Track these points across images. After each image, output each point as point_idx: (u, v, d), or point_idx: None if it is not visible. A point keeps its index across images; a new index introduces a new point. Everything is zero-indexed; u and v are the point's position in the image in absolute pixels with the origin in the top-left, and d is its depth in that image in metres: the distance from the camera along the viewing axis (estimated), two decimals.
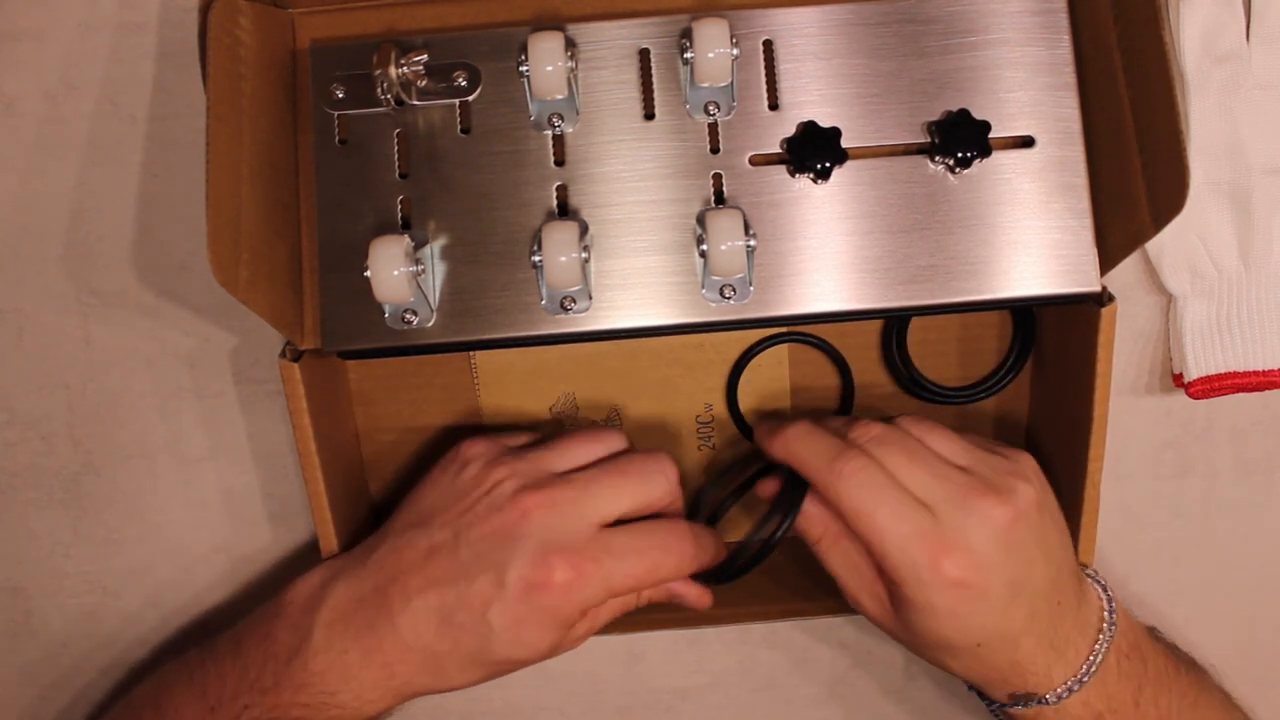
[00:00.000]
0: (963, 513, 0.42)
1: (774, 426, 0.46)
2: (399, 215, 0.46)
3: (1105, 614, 0.45)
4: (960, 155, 0.44)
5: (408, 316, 0.45)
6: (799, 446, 0.44)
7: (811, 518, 0.45)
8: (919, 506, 0.42)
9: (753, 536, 0.46)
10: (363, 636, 0.43)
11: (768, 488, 0.47)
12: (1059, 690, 0.43)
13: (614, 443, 0.46)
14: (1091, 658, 0.44)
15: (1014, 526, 0.42)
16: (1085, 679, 0.43)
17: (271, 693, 0.44)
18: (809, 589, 0.52)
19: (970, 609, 0.42)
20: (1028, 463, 0.45)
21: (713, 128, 0.46)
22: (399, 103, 0.45)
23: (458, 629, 0.42)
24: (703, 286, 0.45)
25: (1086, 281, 0.45)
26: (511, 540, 0.41)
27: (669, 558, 0.43)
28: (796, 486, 0.44)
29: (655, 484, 0.44)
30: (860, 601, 0.45)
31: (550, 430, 0.53)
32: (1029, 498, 0.43)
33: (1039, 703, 0.43)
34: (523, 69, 0.44)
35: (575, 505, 0.42)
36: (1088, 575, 0.46)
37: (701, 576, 0.46)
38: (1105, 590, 0.46)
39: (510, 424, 0.53)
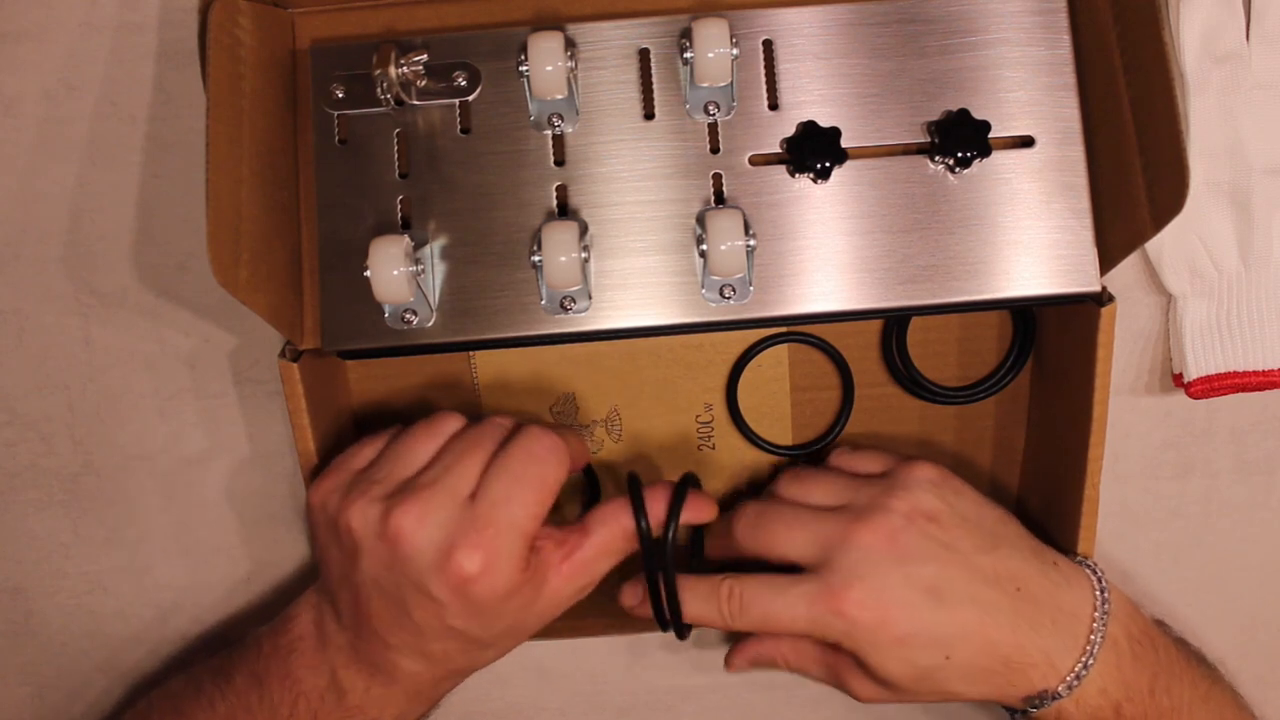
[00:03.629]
0: (845, 553, 0.43)
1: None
2: (399, 215, 0.46)
3: (1097, 593, 0.45)
4: (960, 155, 0.44)
5: (407, 316, 0.45)
6: (689, 609, 0.45)
7: (763, 647, 0.47)
8: (803, 577, 0.44)
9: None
10: (378, 676, 0.44)
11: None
12: (1068, 680, 0.43)
13: (449, 427, 0.45)
14: (1092, 636, 0.44)
15: (896, 542, 0.43)
16: (1090, 660, 0.43)
17: None
18: None
19: (901, 632, 0.43)
20: (913, 473, 0.46)
21: (713, 128, 0.46)
22: (399, 103, 0.45)
23: (441, 648, 0.43)
24: (703, 286, 0.45)
25: (1086, 281, 0.45)
26: (409, 561, 0.41)
27: (547, 461, 0.43)
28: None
29: (491, 434, 0.44)
30: (850, 690, 0.46)
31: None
32: (906, 508, 0.44)
33: (1054, 698, 0.43)
34: (523, 69, 0.44)
35: (439, 499, 0.41)
36: (1076, 561, 0.46)
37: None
38: (1095, 571, 0.46)
39: None
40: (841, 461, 0.49)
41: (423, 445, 0.44)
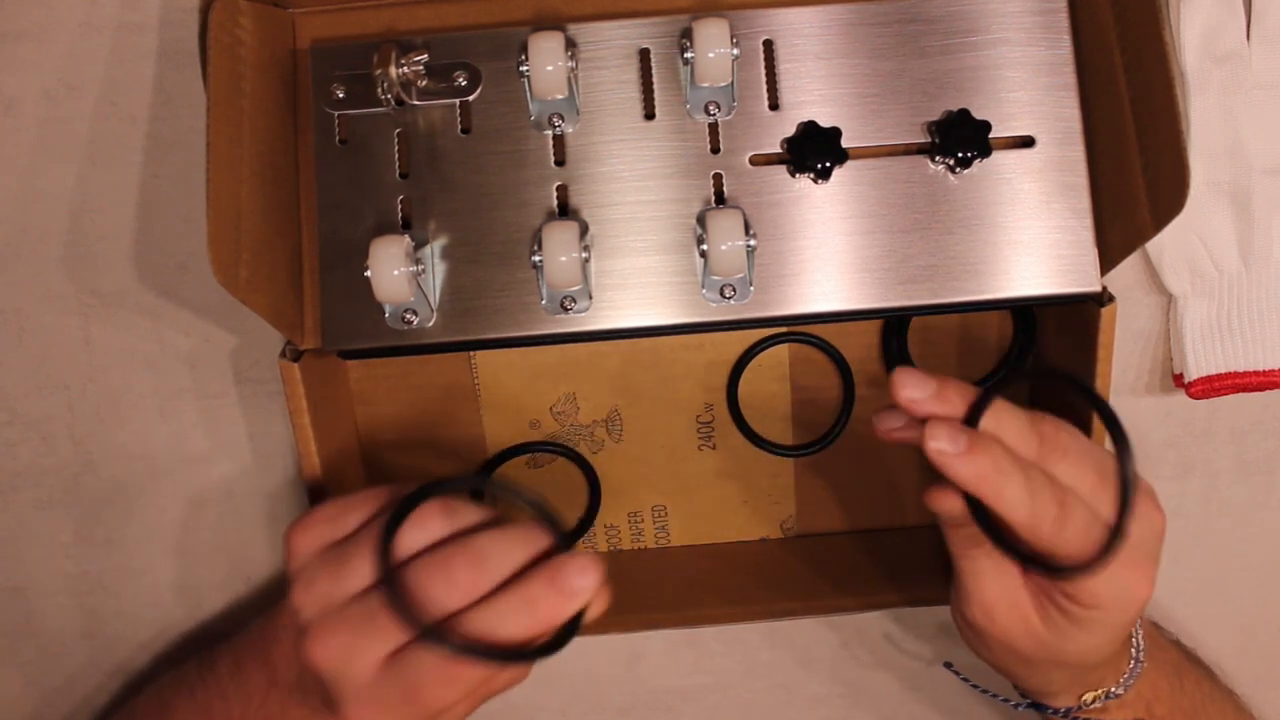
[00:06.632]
0: (1145, 528, 0.40)
1: (949, 437, 0.38)
2: (399, 215, 0.46)
3: None
4: (960, 155, 0.44)
5: (408, 316, 0.45)
6: (996, 487, 0.38)
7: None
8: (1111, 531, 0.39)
9: None
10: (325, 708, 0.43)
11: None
12: (1124, 678, 0.44)
13: (462, 520, 0.40)
14: (1135, 640, 0.44)
15: (1163, 537, 0.42)
16: (1140, 659, 0.44)
17: (277, 719, 0.44)
18: (810, 588, 0.52)
19: (1128, 619, 0.41)
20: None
21: (713, 128, 0.46)
22: (399, 103, 0.45)
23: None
24: (703, 286, 0.45)
25: (1086, 281, 0.45)
26: (317, 677, 0.39)
27: (431, 690, 0.37)
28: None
29: (463, 582, 0.38)
30: (995, 614, 0.41)
31: (550, 431, 0.53)
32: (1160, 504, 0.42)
33: (1109, 696, 0.44)
34: (523, 69, 0.44)
35: (357, 645, 0.38)
36: None
37: None
38: None
39: (510, 424, 0.53)
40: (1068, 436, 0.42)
41: (410, 538, 0.39)
